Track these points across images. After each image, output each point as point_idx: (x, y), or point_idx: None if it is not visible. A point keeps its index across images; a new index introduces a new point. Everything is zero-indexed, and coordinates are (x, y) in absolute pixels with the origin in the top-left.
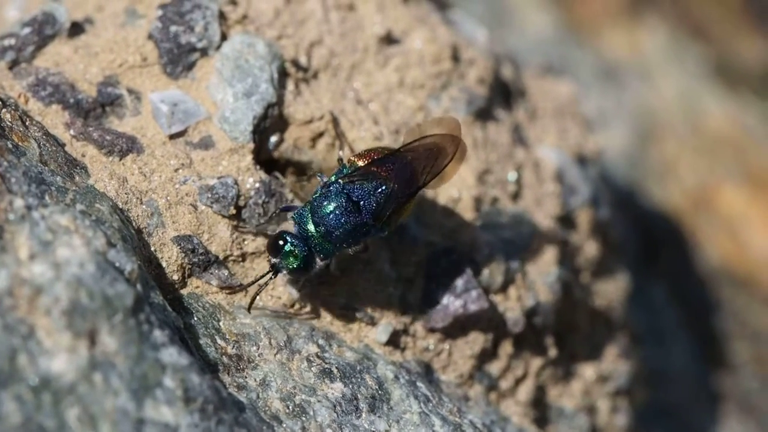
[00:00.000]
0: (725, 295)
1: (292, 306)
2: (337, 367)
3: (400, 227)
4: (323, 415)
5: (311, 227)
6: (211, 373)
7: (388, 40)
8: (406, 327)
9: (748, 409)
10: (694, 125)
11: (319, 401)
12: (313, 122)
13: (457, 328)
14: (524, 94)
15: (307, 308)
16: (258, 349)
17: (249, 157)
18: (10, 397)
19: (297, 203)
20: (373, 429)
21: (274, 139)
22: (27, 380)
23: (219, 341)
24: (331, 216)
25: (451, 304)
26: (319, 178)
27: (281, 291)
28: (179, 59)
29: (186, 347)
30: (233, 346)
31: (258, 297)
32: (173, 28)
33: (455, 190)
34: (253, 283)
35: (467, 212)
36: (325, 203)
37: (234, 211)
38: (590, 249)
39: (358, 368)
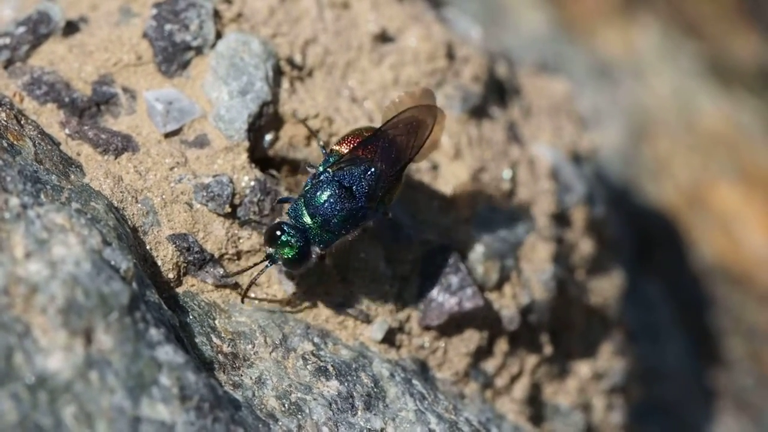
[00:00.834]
0: (720, 292)
1: (288, 304)
2: (332, 365)
3: (395, 225)
4: (319, 413)
5: (307, 219)
6: (206, 371)
7: (383, 38)
8: (402, 325)
9: (743, 405)
10: (689, 123)
11: (314, 399)
12: (308, 120)
13: (453, 325)
14: (519, 92)
15: (303, 306)
16: (253, 347)
17: (244, 156)
18: (6, 395)
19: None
20: (368, 427)
21: (269, 137)
22: (23, 379)
23: (214, 339)
24: (326, 205)
25: (446, 301)
26: (309, 170)
27: (276, 289)
28: (174, 58)
29: (182, 345)
30: (229, 345)
31: (252, 292)
32: (168, 27)
33: (450, 187)
34: (245, 270)
35: (462, 210)
36: (318, 193)
37: (229, 210)
38: (585, 246)
39: (353, 366)
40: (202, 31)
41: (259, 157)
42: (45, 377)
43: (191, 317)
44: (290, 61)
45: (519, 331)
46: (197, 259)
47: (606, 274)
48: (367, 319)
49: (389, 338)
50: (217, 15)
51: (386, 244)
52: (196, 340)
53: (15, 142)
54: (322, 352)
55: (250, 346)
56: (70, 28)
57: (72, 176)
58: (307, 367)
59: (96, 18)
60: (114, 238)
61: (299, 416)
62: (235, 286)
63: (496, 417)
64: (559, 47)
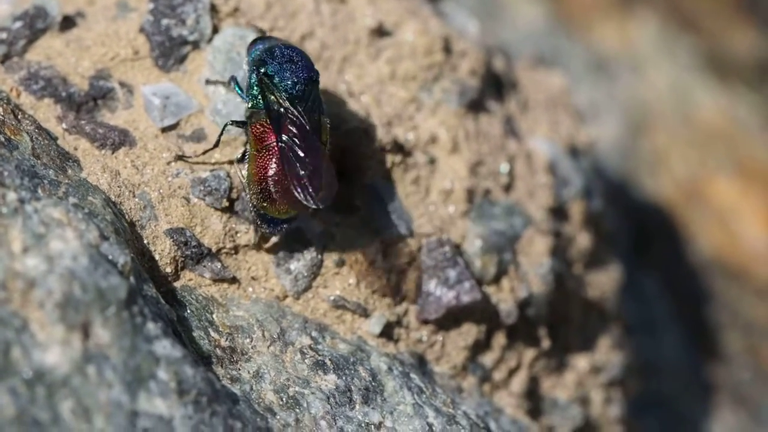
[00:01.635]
0: (717, 286)
1: (285, 298)
2: (330, 359)
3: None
4: (317, 406)
5: None
6: (204, 365)
7: (380, 32)
8: (399, 319)
9: (740, 399)
10: (686, 117)
11: (312, 393)
12: None
13: (450, 319)
14: (516, 86)
15: (300, 300)
16: (251, 341)
17: (241, 150)
18: (3, 390)
19: None
20: (366, 420)
21: None
22: (21, 373)
23: (212, 333)
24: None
25: (444, 295)
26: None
27: (274, 283)
28: (171, 52)
29: (179, 340)
30: (226, 339)
31: (250, 286)
32: (165, 21)
33: (448, 181)
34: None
35: (460, 204)
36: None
37: (227, 204)
38: (583, 240)
39: (351, 360)
40: (198, 26)
41: None
42: (43, 372)
43: (189, 311)
44: None
45: (517, 325)
46: (195, 254)
47: (603, 267)
48: (365, 313)
49: (387, 332)
50: (213, 9)
51: (384, 238)
52: (194, 335)
53: (12, 137)
54: (319, 346)
55: (247, 340)
56: (67, 22)
57: (69, 171)
58: (305, 361)
59: (93, 12)
60: (111, 233)
61: (297, 410)
62: (233, 281)
63: (494, 411)
64: (556, 41)
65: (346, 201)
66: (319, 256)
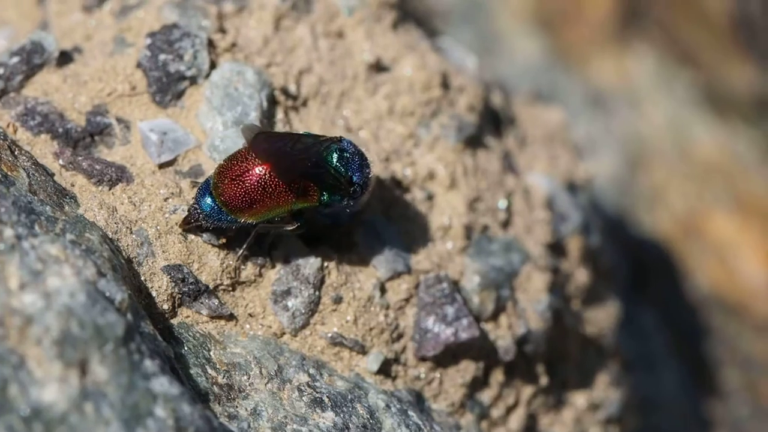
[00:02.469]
0: (716, 321)
1: (283, 335)
2: (328, 396)
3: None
4: None
5: None
6: (202, 402)
7: (378, 67)
8: (397, 356)
9: None
10: (684, 152)
11: (310, 430)
12: None
13: (449, 356)
14: (514, 122)
15: (298, 337)
16: (249, 378)
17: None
18: (1, 427)
19: None
20: None
21: None
22: (18, 410)
23: (209, 371)
24: None
25: (442, 332)
26: None
27: (272, 320)
28: (168, 88)
29: (177, 377)
30: (224, 376)
31: (248, 323)
32: (162, 57)
33: (446, 217)
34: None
35: (458, 240)
36: None
37: (224, 240)
38: (581, 276)
39: (349, 397)
40: (196, 61)
41: None
42: (40, 409)
43: (186, 348)
44: (285, 91)
45: (515, 362)
46: (192, 290)
47: (601, 303)
48: (363, 350)
49: (385, 369)
50: (211, 45)
51: (382, 274)
52: (191, 372)
53: (9, 173)
54: (317, 383)
55: (245, 377)
56: (64, 58)
57: (66, 207)
58: (303, 398)
59: (90, 47)
60: (109, 270)
61: None
62: (230, 317)
63: None
64: (554, 76)
65: (345, 237)
66: (317, 293)
